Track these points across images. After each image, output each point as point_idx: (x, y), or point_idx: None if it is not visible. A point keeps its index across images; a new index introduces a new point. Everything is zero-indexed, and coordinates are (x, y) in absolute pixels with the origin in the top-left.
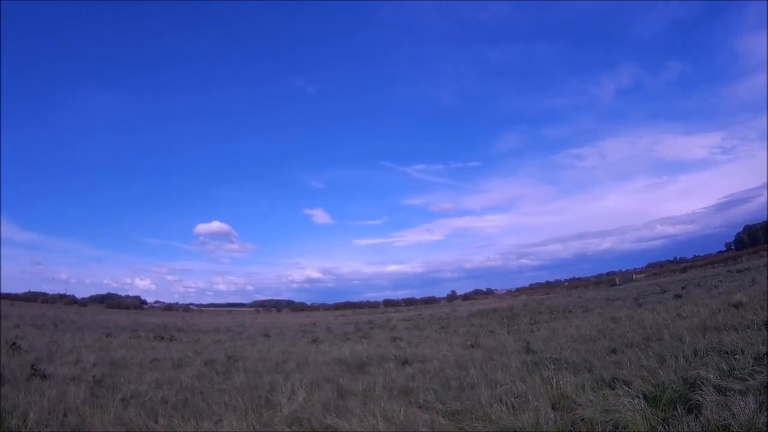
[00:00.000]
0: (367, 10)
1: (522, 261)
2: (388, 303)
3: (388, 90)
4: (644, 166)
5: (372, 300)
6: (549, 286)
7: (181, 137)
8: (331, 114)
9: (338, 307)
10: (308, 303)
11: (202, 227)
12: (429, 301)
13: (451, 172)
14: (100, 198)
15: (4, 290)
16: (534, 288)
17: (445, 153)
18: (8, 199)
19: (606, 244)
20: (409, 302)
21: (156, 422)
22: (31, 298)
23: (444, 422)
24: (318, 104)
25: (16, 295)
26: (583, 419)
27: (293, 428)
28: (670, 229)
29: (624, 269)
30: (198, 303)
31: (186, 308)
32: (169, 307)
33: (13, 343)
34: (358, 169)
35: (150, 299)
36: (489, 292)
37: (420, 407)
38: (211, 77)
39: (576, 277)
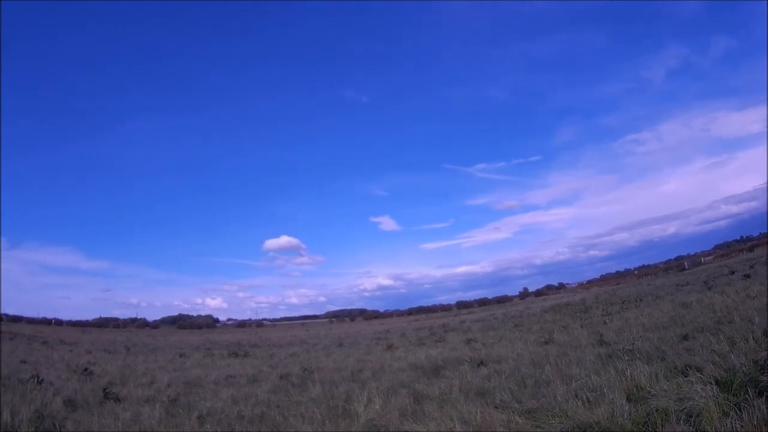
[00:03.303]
0: (409, 16)
1: (591, 253)
2: (461, 305)
3: (442, 93)
4: (702, 146)
5: (444, 303)
6: (619, 276)
7: (240, 154)
8: (388, 121)
9: (411, 312)
10: (381, 310)
11: (271, 243)
12: (501, 300)
13: (513, 168)
14: (163, 222)
15: (75, 318)
16: (605, 279)
17: (505, 150)
18: (73, 229)
19: (672, 228)
20: (482, 302)
21: None
22: (103, 324)
23: (520, 421)
24: (373, 112)
25: (87, 321)
26: (657, 410)
27: None
28: (734, 208)
29: (692, 253)
30: (271, 318)
31: (259, 324)
32: (242, 324)
33: (85, 369)
34: (421, 174)
35: (222, 317)
36: (561, 287)
37: (496, 407)
38: (262, 91)
39: (645, 264)
